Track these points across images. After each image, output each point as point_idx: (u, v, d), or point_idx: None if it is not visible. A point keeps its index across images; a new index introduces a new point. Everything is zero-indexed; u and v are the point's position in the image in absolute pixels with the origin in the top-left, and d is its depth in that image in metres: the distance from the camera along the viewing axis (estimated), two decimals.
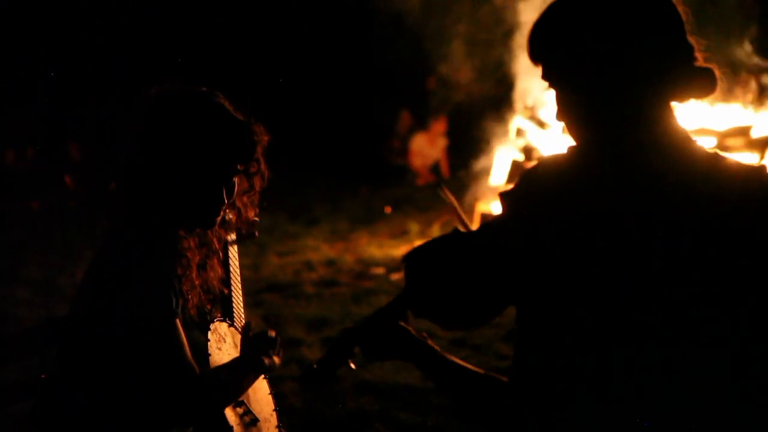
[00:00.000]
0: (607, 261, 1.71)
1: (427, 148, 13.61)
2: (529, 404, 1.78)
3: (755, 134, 8.56)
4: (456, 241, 1.94)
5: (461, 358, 2.03)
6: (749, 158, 8.35)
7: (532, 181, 1.88)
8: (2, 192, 12.16)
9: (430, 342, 2.04)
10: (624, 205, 1.72)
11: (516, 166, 9.54)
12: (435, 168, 13.62)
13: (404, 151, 13.80)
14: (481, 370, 1.98)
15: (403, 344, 2.04)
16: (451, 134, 13.53)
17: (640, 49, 1.74)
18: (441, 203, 11.21)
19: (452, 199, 2.22)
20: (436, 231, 9.66)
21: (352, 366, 2.12)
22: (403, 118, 14.14)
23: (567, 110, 1.82)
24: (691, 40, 1.80)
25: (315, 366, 2.12)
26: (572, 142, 1.86)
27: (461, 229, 2.01)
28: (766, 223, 1.68)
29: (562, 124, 1.86)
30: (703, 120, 8.46)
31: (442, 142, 13.63)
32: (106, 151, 2.49)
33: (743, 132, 8.53)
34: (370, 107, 13.97)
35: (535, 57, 1.84)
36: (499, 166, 10.00)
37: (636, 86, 1.74)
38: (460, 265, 1.89)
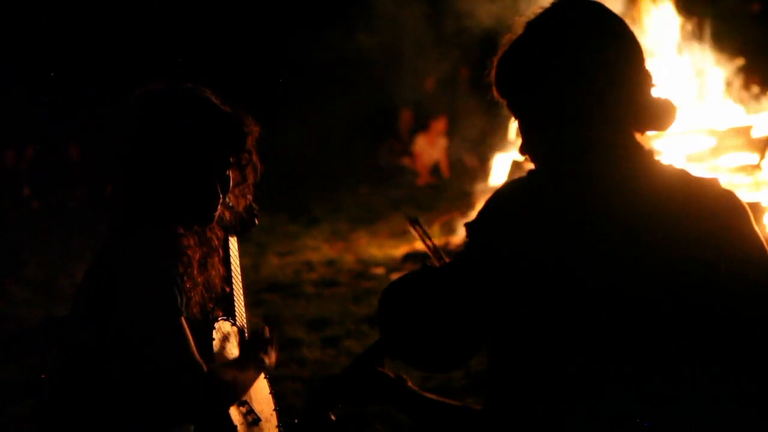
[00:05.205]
0: (573, 284, 1.72)
1: (428, 148, 13.61)
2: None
3: (755, 134, 8.56)
4: (426, 278, 1.93)
5: None
6: (749, 158, 8.35)
7: (494, 209, 1.89)
8: (2, 192, 12.16)
9: (410, 383, 2.03)
10: (584, 230, 1.74)
11: (516, 166, 9.54)
12: (435, 168, 13.64)
13: (404, 151, 13.80)
14: (460, 403, 1.97)
15: (384, 391, 2.02)
16: (451, 134, 13.54)
17: (597, 83, 1.75)
18: (441, 203, 11.17)
19: (423, 235, 2.19)
20: (436, 231, 9.67)
21: (333, 418, 2.11)
22: (403, 118, 14.15)
23: (529, 140, 1.84)
24: (648, 71, 1.80)
25: (296, 421, 2.12)
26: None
27: (435, 262, 2.00)
28: (721, 238, 1.69)
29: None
30: (703, 120, 8.46)
31: (442, 142, 13.63)
32: (103, 152, 2.50)
33: (743, 132, 8.54)
34: (371, 107, 13.97)
35: (500, 92, 1.86)
36: (498, 166, 10.01)
37: (593, 118, 1.76)
38: (432, 304, 1.89)
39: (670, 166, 1.79)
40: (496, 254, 1.80)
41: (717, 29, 8.90)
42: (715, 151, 8.31)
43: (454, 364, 1.98)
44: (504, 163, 9.90)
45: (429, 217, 10.35)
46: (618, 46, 1.78)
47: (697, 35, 8.68)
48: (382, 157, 13.80)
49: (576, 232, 1.74)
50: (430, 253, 2.17)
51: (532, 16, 1.82)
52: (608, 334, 1.69)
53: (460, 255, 1.93)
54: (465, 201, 10.10)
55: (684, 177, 1.77)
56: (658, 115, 1.79)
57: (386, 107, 13.90)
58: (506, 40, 1.84)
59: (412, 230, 2.22)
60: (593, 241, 1.72)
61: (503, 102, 1.86)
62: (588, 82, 1.75)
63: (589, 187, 1.76)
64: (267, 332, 2.59)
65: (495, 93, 1.87)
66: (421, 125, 13.81)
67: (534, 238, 1.76)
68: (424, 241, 2.14)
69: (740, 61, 9.01)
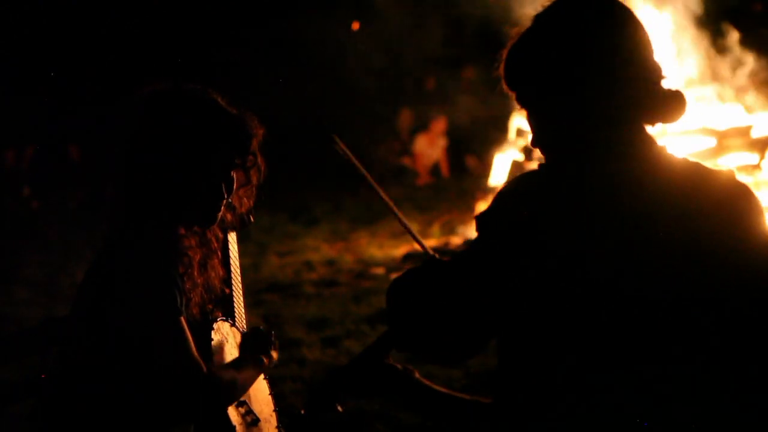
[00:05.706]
0: (580, 281, 1.71)
1: (427, 148, 13.61)
2: (515, 425, 1.79)
3: (755, 134, 8.57)
4: (434, 271, 1.93)
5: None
6: (749, 158, 8.36)
7: (505, 203, 1.88)
8: (2, 192, 12.17)
9: (417, 375, 2.01)
10: (594, 226, 1.73)
11: (516, 166, 9.54)
12: (435, 168, 13.63)
13: (404, 151, 13.79)
14: (468, 396, 1.97)
15: (391, 382, 2.00)
16: (451, 134, 13.54)
17: (604, 76, 1.75)
18: (441, 203, 11.14)
19: (347, 152, 2.17)
20: (436, 231, 9.67)
21: (339, 409, 2.10)
22: (403, 118, 14.14)
23: (538, 132, 1.84)
24: (657, 63, 1.79)
25: (302, 412, 2.11)
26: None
27: (380, 193, 1.99)
28: (734, 228, 1.69)
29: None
30: (703, 120, 8.46)
31: (442, 142, 13.63)
32: (104, 152, 2.50)
33: (743, 132, 8.54)
34: (371, 107, 13.97)
35: (508, 85, 1.86)
36: (498, 166, 10.01)
37: (602, 111, 1.76)
38: (441, 296, 1.88)
39: (684, 159, 1.78)
40: (504, 248, 1.80)
41: (718, 29, 8.90)
42: (715, 151, 8.31)
43: (462, 356, 1.97)
44: (504, 163, 9.90)
45: (429, 217, 10.36)
46: (626, 38, 1.77)
47: (698, 35, 8.68)
48: (381, 157, 13.80)
49: (585, 228, 1.73)
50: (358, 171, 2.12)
51: (540, 10, 1.82)
52: (614, 331, 1.69)
53: (470, 247, 1.93)
54: (465, 201, 10.11)
55: (696, 170, 1.75)
56: (667, 107, 1.78)
57: (386, 106, 13.91)
58: (515, 33, 1.84)
59: (343, 148, 2.18)
60: (602, 237, 1.72)
61: (512, 95, 1.86)
62: (596, 75, 1.75)
63: (598, 181, 1.75)
64: (268, 331, 2.59)
65: (504, 86, 1.87)
66: (421, 125, 13.80)
67: (542, 233, 1.76)
68: (348, 159, 2.11)
69: (741, 61, 9.01)
